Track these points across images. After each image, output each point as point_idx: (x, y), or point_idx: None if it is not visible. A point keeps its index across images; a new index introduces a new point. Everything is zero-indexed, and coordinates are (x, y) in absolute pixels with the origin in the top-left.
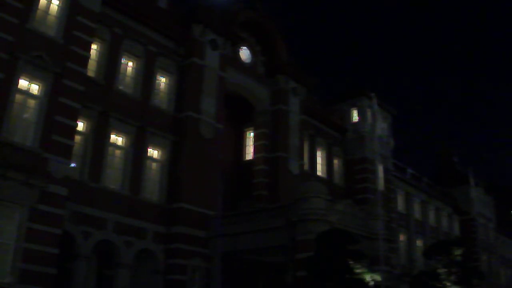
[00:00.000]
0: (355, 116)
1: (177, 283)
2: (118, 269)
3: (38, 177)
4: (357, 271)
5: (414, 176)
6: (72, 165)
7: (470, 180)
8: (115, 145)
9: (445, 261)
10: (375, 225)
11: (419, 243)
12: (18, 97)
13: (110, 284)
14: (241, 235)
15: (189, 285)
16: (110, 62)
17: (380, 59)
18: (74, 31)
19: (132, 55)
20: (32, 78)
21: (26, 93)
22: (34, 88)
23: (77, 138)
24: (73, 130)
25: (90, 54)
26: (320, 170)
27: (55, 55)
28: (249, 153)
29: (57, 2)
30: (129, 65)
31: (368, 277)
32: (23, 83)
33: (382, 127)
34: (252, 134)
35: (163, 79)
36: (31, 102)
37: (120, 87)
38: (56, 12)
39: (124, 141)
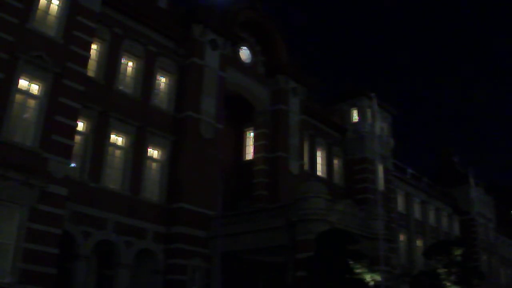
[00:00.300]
0: (355, 116)
1: (177, 283)
2: (118, 269)
3: (38, 177)
4: (357, 271)
5: (414, 176)
6: (72, 165)
7: (470, 180)
8: (115, 145)
9: (445, 261)
10: (375, 225)
11: (419, 243)
12: (18, 97)
13: (110, 284)
14: (241, 235)
15: (189, 285)
16: (110, 62)
17: (380, 59)
18: (74, 31)
19: (132, 55)
20: (32, 78)
21: (26, 93)
22: (34, 88)
23: (77, 138)
24: (73, 130)
25: (90, 54)
26: (320, 170)
27: (55, 55)
28: (249, 153)
29: (57, 2)
30: (129, 65)
31: (368, 277)
32: (23, 83)
33: (382, 127)
34: (252, 134)
35: (163, 79)
36: (31, 102)
37: (120, 87)
38: (56, 12)
39: (124, 141)
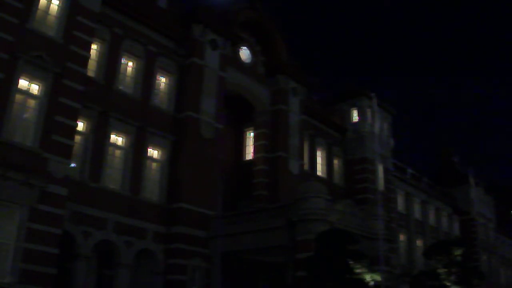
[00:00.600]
0: (355, 116)
1: (177, 283)
2: (118, 269)
3: (38, 177)
4: (357, 271)
5: (414, 176)
6: (72, 165)
7: (470, 180)
8: (115, 145)
9: (445, 261)
10: (375, 225)
11: (419, 243)
12: (18, 97)
13: (110, 284)
14: (241, 235)
15: (189, 285)
16: (110, 62)
17: (380, 59)
18: (74, 31)
19: (132, 55)
20: (32, 78)
21: (26, 93)
22: (34, 88)
23: (77, 138)
24: (73, 130)
25: (90, 54)
26: (320, 170)
27: (55, 55)
28: (249, 153)
29: (57, 2)
30: (129, 65)
31: (368, 277)
32: (23, 83)
33: (382, 127)
34: (252, 134)
35: (163, 79)
36: (31, 102)
37: (120, 87)
38: (56, 12)
39: (124, 141)
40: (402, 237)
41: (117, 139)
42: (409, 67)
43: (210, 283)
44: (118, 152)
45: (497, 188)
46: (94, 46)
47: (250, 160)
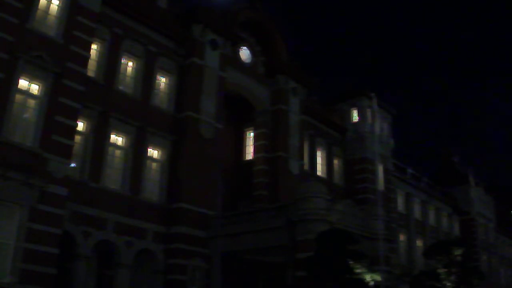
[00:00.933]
0: (355, 116)
1: (177, 283)
2: (118, 269)
3: (38, 177)
4: (357, 271)
5: (414, 176)
6: (72, 165)
7: (470, 180)
8: (115, 145)
9: (445, 261)
10: (375, 225)
11: (419, 243)
12: (18, 97)
13: (110, 284)
14: (241, 235)
15: (189, 285)
16: (110, 62)
17: (380, 59)
18: (74, 31)
19: (132, 55)
20: (32, 78)
21: (26, 93)
22: (34, 88)
23: (77, 138)
24: (73, 130)
25: (90, 54)
26: (320, 170)
27: (55, 55)
28: (249, 153)
29: (57, 2)
30: (129, 65)
31: (368, 277)
32: (23, 83)
33: (382, 127)
34: (252, 134)
35: (163, 79)
36: (31, 102)
37: (120, 87)
38: (56, 12)
39: (124, 141)
40: (402, 237)
41: (117, 139)
42: (409, 67)
43: (210, 283)
44: (118, 152)
45: (497, 188)
46: (94, 46)
47: (250, 160)
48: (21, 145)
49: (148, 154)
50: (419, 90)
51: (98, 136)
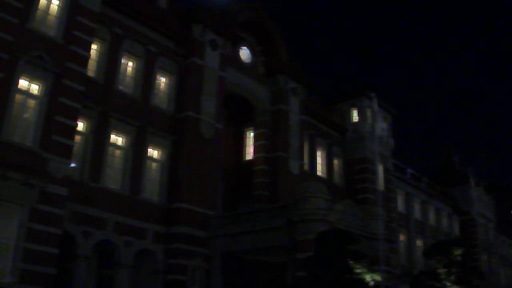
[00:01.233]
0: (355, 116)
1: (177, 283)
2: (118, 269)
3: (38, 177)
4: (357, 271)
5: (414, 176)
6: (72, 165)
7: (470, 180)
8: (115, 145)
9: (445, 261)
10: (375, 225)
11: (419, 243)
12: (18, 97)
13: (110, 284)
14: (241, 235)
15: (189, 285)
16: (110, 62)
17: (380, 59)
18: (74, 31)
19: (132, 55)
20: (32, 78)
21: (26, 93)
22: (34, 88)
23: (77, 138)
24: (73, 130)
25: (90, 54)
26: (320, 170)
27: (55, 55)
28: (249, 153)
29: (57, 2)
30: (129, 65)
31: (368, 277)
32: (23, 83)
33: (382, 127)
34: (252, 134)
35: (163, 79)
36: (31, 102)
37: (120, 87)
38: (56, 12)
39: (124, 141)
40: (402, 237)
41: (117, 139)
42: (409, 67)
43: (210, 283)
44: (118, 152)
45: (497, 188)
46: (94, 46)
47: (250, 160)
48: (21, 145)
49: (148, 154)
50: (419, 90)
51: (98, 136)
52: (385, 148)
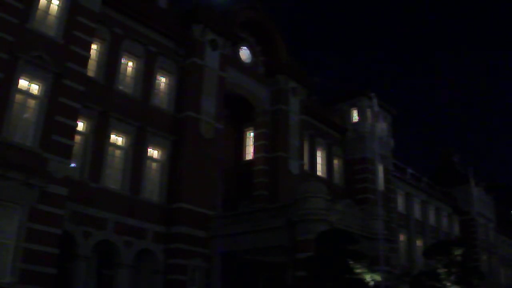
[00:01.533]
0: (355, 116)
1: (177, 283)
2: (118, 269)
3: (38, 177)
4: (357, 271)
5: (414, 176)
6: (72, 165)
7: (470, 180)
8: (115, 145)
9: (445, 261)
10: (375, 225)
11: (419, 243)
12: (18, 97)
13: (110, 284)
14: (241, 235)
15: (189, 285)
16: (110, 62)
17: (380, 59)
18: (74, 31)
19: (132, 55)
20: (32, 78)
21: (26, 93)
22: (34, 88)
23: (77, 138)
24: (73, 130)
25: (90, 54)
26: (320, 170)
27: (55, 55)
28: (249, 153)
29: (57, 2)
30: (129, 65)
31: (368, 277)
32: (23, 83)
33: (382, 127)
34: (252, 134)
35: (163, 79)
36: (31, 102)
37: (120, 87)
38: (56, 12)
39: (124, 141)
40: (402, 237)
41: (117, 139)
42: (409, 67)
43: (210, 283)
44: (118, 152)
45: (497, 188)
46: (94, 46)
47: (250, 160)
48: (21, 145)
49: (148, 154)
50: (419, 90)
51: (98, 136)
52: (385, 148)
